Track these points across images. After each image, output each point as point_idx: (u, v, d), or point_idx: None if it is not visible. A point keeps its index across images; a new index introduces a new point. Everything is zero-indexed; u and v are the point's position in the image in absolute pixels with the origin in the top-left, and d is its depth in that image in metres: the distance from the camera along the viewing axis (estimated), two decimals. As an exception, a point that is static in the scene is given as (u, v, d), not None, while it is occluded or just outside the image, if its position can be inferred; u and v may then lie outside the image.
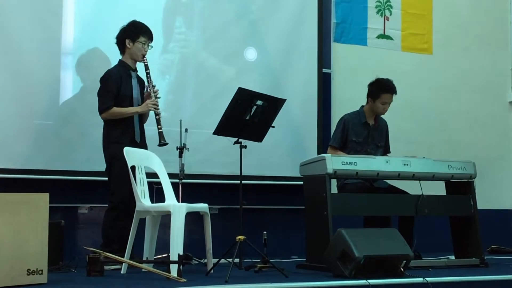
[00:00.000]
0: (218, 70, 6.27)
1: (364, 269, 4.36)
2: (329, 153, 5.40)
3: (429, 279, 4.35)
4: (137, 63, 5.24)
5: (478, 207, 5.48)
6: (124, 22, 5.30)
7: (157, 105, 5.08)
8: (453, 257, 5.56)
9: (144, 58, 5.15)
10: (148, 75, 5.12)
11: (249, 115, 4.91)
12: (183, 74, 6.17)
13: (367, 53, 7.14)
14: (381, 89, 5.65)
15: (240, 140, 4.96)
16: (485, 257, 5.40)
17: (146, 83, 5.16)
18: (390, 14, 7.28)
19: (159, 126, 5.04)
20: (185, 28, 6.21)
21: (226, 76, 6.25)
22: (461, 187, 5.53)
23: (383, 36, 7.24)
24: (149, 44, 5.19)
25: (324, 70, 6.80)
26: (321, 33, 6.78)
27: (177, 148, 5.26)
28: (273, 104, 5.04)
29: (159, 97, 5.13)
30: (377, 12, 7.22)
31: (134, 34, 5.14)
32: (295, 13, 6.66)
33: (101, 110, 5.05)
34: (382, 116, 5.84)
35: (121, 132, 5.05)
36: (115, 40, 5.23)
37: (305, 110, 6.61)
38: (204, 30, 6.28)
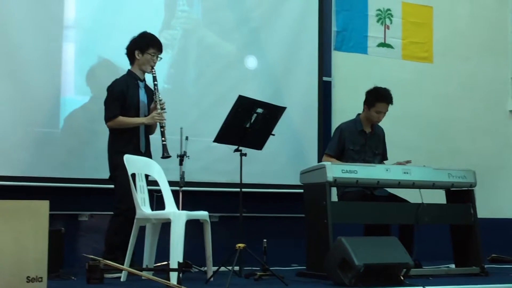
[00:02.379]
0: (218, 77, 6.28)
1: (364, 278, 4.36)
2: (324, 161, 5.42)
3: (429, 288, 4.36)
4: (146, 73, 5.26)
5: (479, 216, 5.48)
6: (127, 28, 5.33)
7: (163, 117, 5.09)
8: (453, 265, 5.56)
9: (153, 70, 5.17)
10: (156, 87, 5.13)
11: (249, 123, 4.92)
12: (182, 82, 6.19)
13: (368, 61, 7.15)
14: (377, 98, 5.66)
15: (240, 148, 4.97)
16: (486, 266, 5.40)
17: (155, 94, 5.17)
18: (391, 23, 7.30)
19: (163, 139, 5.04)
20: (183, 41, 6.21)
21: (226, 83, 6.26)
22: (461, 196, 5.53)
23: (383, 44, 7.26)
24: (158, 56, 5.21)
25: (325, 78, 6.81)
26: (322, 42, 6.80)
27: (177, 156, 5.26)
28: (274, 112, 5.05)
29: (164, 109, 5.13)
30: (378, 21, 7.24)
31: (144, 45, 5.17)
32: (296, 21, 6.68)
33: (107, 119, 5.06)
34: (379, 123, 5.85)
35: (126, 142, 5.06)
36: (117, 47, 5.27)
37: (306, 118, 6.62)
38: (203, 39, 6.29)
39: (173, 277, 4.26)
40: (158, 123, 5.11)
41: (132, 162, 4.74)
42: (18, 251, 3.81)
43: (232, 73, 6.34)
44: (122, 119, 5.04)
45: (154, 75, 5.15)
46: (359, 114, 5.82)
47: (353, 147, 5.69)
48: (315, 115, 6.67)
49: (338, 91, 6.94)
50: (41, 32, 5.57)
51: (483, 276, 5.24)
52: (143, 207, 4.67)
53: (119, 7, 5.91)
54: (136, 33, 5.27)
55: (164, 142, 5.04)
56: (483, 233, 5.48)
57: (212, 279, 4.60)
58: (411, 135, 7.18)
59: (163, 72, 6.00)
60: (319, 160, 6.38)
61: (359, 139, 5.74)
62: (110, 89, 5.11)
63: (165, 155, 5.04)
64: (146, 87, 5.28)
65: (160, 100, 5.13)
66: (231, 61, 6.38)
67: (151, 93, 5.24)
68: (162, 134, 5.05)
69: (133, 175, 4.71)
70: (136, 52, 5.18)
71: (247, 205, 5.00)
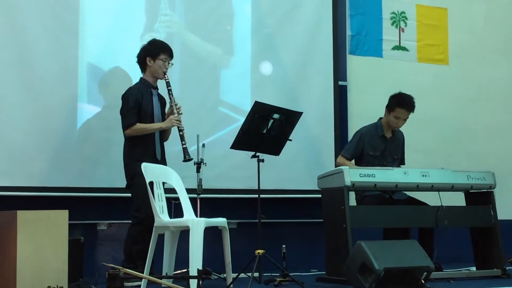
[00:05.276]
0: (234, 83, 6.29)
1: (385, 282, 4.33)
2: (339, 162, 5.48)
3: (451, 291, 4.33)
4: (158, 81, 5.27)
5: (499, 218, 5.44)
6: (142, 37, 5.36)
7: (180, 121, 5.10)
8: (474, 268, 5.52)
9: (165, 76, 5.18)
10: (170, 92, 5.14)
11: (266, 129, 4.92)
12: (197, 89, 6.20)
13: (383, 64, 7.13)
14: (397, 103, 5.63)
15: (257, 154, 4.97)
16: (507, 268, 5.35)
17: (168, 100, 5.18)
18: (405, 25, 7.28)
19: (183, 142, 5.04)
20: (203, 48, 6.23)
21: (242, 89, 6.27)
22: (481, 198, 5.49)
23: (398, 47, 7.24)
24: (170, 62, 5.23)
25: (340, 83, 6.80)
26: (336, 46, 6.79)
27: (194, 163, 5.26)
28: (290, 118, 5.04)
29: (181, 113, 5.14)
30: (392, 24, 7.22)
31: (154, 52, 5.19)
32: (310, 26, 6.67)
33: (126, 127, 5.07)
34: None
35: (143, 150, 5.06)
36: (132, 56, 5.27)
37: (322, 123, 6.60)
38: (219, 44, 6.30)
39: (193, 284, 4.25)
40: (176, 128, 5.11)
41: (150, 170, 4.74)
42: (38, 261, 3.84)
43: (247, 79, 6.34)
44: (140, 125, 5.05)
45: (167, 80, 5.17)
46: (380, 118, 5.78)
47: (373, 153, 5.66)
48: (331, 120, 6.66)
49: (353, 95, 6.92)
50: (57, 42, 5.58)
51: (504, 278, 5.20)
52: (162, 215, 4.67)
53: (133, 17, 5.93)
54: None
55: (184, 146, 5.03)
56: (503, 235, 5.44)
57: (231, 285, 4.59)
58: (428, 138, 7.14)
59: (183, 80, 6.03)
60: (336, 164, 6.36)
61: (380, 144, 5.71)
62: (125, 97, 5.12)
63: (187, 158, 5.03)
64: (159, 94, 5.29)
65: (176, 105, 5.14)
66: (246, 67, 6.38)
67: (163, 101, 5.26)
68: (182, 138, 5.05)
69: (151, 183, 4.71)
70: (148, 59, 5.19)
71: (265, 211, 4.99)
